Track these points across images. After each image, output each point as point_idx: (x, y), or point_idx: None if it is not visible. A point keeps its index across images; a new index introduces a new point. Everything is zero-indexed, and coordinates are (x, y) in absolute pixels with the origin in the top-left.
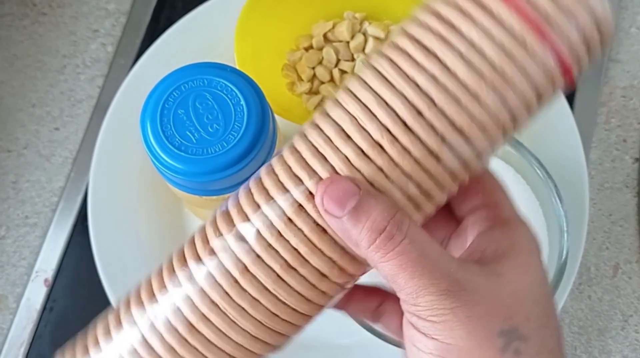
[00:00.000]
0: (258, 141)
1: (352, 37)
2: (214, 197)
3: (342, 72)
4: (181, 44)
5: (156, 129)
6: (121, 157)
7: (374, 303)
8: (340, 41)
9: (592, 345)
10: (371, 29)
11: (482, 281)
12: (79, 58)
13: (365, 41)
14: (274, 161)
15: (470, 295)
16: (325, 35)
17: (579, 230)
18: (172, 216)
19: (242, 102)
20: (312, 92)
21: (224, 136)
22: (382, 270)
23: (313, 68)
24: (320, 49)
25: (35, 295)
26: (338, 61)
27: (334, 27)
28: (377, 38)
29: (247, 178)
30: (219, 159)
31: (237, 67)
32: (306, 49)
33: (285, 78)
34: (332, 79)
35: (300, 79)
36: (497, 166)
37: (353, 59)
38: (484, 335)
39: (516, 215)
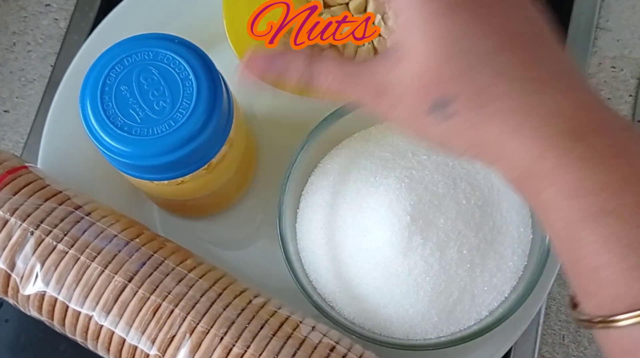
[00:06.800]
0: (210, 118)
1: None
2: (165, 182)
3: None
4: (137, 16)
5: (97, 108)
6: (73, 140)
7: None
8: None
9: (581, 333)
10: None
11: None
12: (30, 35)
13: None
14: None
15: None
16: None
17: None
18: (129, 203)
19: (191, 76)
20: None
21: (171, 114)
22: None
23: None
24: None
25: None
26: None
27: None
28: None
29: (201, 160)
30: (166, 139)
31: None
32: None
33: None
34: None
35: None
36: None
37: None
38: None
39: None
